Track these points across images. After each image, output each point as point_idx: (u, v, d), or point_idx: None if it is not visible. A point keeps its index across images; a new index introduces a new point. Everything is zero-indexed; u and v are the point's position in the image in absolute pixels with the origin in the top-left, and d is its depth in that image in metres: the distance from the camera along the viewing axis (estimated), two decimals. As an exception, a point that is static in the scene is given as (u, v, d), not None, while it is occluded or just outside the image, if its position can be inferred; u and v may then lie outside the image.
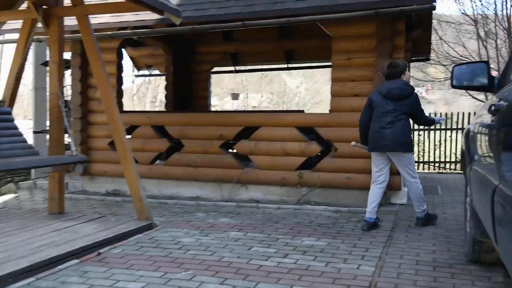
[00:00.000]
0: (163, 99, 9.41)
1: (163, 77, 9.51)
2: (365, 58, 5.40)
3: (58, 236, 3.89)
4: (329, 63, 6.05)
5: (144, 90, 23.86)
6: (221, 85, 27.53)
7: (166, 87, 8.57)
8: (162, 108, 13.15)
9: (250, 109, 25.63)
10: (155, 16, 5.04)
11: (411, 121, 4.47)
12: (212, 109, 13.87)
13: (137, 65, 9.66)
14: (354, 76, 5.47)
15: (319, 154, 5.87)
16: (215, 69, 10.72)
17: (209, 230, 4.36)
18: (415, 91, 4.39)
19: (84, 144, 6.57)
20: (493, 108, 2.15)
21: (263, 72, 22.29)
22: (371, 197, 4.40)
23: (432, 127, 9.71)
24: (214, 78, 10.41)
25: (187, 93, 8.66)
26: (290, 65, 9.70)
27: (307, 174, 5.64)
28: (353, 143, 4.70)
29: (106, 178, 6.56)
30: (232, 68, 10.15)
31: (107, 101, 4.70)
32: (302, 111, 7.79)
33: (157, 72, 9.93)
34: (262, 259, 3.44)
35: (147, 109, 22.47)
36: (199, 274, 3.10)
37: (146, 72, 10.43)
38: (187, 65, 8.61)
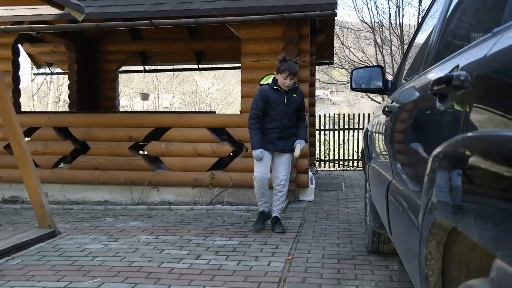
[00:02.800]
0: (67, 99, 8.88)
1: (67, 76, 8.98)
2: (273, 60, 5.55)
3: None
4: (239, 65, 6.15)
5: (45, 89, 22.33)
6: (130, 85, 26.65)
7: (70, 87, 8.11)
8: (66, 109, 12.41)
9: (162, 109, 25.14)
10: (55, 11, 4.76)
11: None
12: (121, 109, 13.38)
13: (37, 63, 9.02)
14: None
15: (231, 154, 5.94)
16: (124, 68, 10.37)
17: (119, 235, 4.22)
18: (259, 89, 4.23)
19: (-24, 148, 6.02)
20: (386, 109, 2.34)
21: (174, 73, 21.99)
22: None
23: (337, 126, 10.28)
24: (123, 77, 10.07)
25: (93, 93, 8.27)
26: (201, 66, 9.69)
27: (219, 175, 5.67)
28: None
29: (3, 184, 6.07)
30: (141, 68, 9.89)
31: (2, 101, 4.34)
32: (214, 112, 7.82)
33: (59, 70, 9.36)
34: (174, 261, 3.41)
35: (50, 109, 21.06)
36: (108, 281, 2.99)
37: (47, 70, 9.78)
38: (92, 63, 8.22)
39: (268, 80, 4.19)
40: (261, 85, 4.22)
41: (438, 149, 1.12)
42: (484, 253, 0.97)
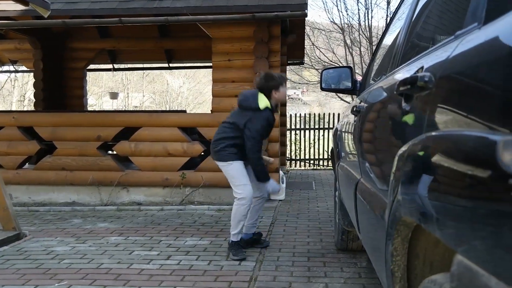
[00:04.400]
0: (33, 97, 8.62)
1: (32, 74, 8.73)
2: (244, 60, 5.58)
3: None
4: (210, 64, 6.13)
5: (9, 87, 21.63)
6: (99, 83, 26.14)
7: (35, 85, 7.88)
8: (31, 108, 12.06)
9: (131, 109, 24.76)
10: (20, 6, 4.63)
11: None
12: (89, 108, 13.10)
13: (0, 60, 8.74)
14: (234, 77, 5.61)
15: (202, 154, 5.91)
16: (93, 66, 10.17)
17: (87, 236, 4.13)
18: (266, 109, 3.52)
19: None
20: (355, 109, 2.38)
21: (144, 71, 21.69)
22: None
23: (307, 126, 10.38)
24: (91, 76, 9.86)
25: (60, 91, 8.06)
26: (171, 65, 9.60)
27: (190, 174, 5.64)
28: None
29: (-36, 186, 5.84)
30: (110, 66, 9.71)
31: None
32: (185, 111, 7.76)
33: (24, 68, 9.09)
34: (144, 262, 3.37)
35: (14, 108, 20.42)
36: (75, 284, 2.93)
37: (11, 68, 9.48)
38: (59, 61, 8.01)
39: (265, 102, 3.52)
40: (260, 109, 3.48)
41: (403, 148, 1.15)
42: (446, 249, 1.00)
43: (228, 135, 3.54)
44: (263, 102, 3.51)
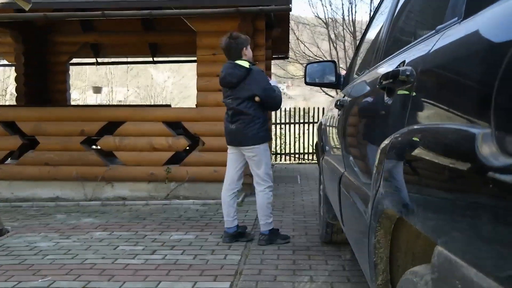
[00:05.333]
0: (14, 92, 8.47)
1: (14, 68, 8.57)
2: (229, 54, 5.54)
3: None
4: (195, 58, 6.09)
5: (-10, 81, 21.22)
6: (82, 78, 25.79)
7: (17, 79, 7.74)
8: (13, 102, 11.83)
9: (116, 103, 24.50)
10: (0, -1, 4.53)
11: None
12: (73, 103, 12.94)
13: (-20, 54, 8.57)
14: (219, 72, 5.57)
15: (187, 148, 5.88)
16: (75, 60, 10.03)
17: (71, 232, 4.09)
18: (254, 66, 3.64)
19: None
20: (338, 103, 2.39)
21: (128, 65, 21.47)
22: (226, 206, 3.72)
23: (292, 120, 10.40)
24: (74, 70, 9.73)
25: (42, 86, 7.93)
26: (155, 59, 9.52)
27: (175, 169, 5.61)
28: None
29: None
30: (93, 60, 9.59)
31: None
32: (169, 106, 7.71)
33: (5, 62, 8.92)
34: (129, 257, 3.35)
35: (-5, 103, 20.05)
36: (59, 279, 2.91)
37: (-9, 61, 9.31)
38: (41, 55, 7.88)
39: (245, 62, 3.59)
40: (249, 68, 3.55)
41: (385, 142, 1.16)
42: (427, 240, 1.02)
43: (256, 114, 3.52)
44: (244, 62, 3.56)
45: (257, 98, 3.51)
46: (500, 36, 0.68)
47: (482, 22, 0.79)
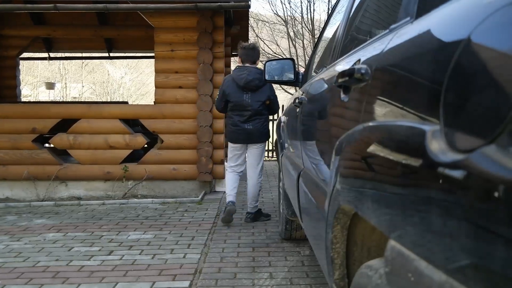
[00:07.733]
0: (-41, 87, 8.02)
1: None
2: (187, 50, 5.49)
3: None
4: (153, 54, 5.98)
5: None
6: (34, 73, 24.82)
7: (-38, 74, 7.35)
8: (-42, 98, 11.22)
9: (70, 100, 23.73)
10: None
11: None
12: (24, 99, 12.41)
13: None
14: (177, 68, 5.52)
15: (146, 146, 5.78)
16: (26, 55, 9.63)
17: (22, 234, 3.93)
18: None
19: None
20: (297, 101, 2.41)
21: (83, 61, 20.84)
22: (232, 182, 4.29)
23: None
24: (25, 65, 9.32)
25: (-10, 81, 7.56)
26: (112, 54, 9.28)
27: (133, 167, 5.50)
28: None
29: None
30: (46, 55, 9.24)
31: None
32: (127, 103, 7.54)
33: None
34: (84, 259, 3.26)
35: None
36: (9, 283, 2.78)
37: None
38: (-11, 49, 7.50)
39: None
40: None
41: (341, 138, 1.18)
42: (381, 235, 1.04)
43: (267, 115, 4.21)
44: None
45: (267, 102, 4.16)
46: (449, 35, 0.70)
47: (433, 22, 0.81)
